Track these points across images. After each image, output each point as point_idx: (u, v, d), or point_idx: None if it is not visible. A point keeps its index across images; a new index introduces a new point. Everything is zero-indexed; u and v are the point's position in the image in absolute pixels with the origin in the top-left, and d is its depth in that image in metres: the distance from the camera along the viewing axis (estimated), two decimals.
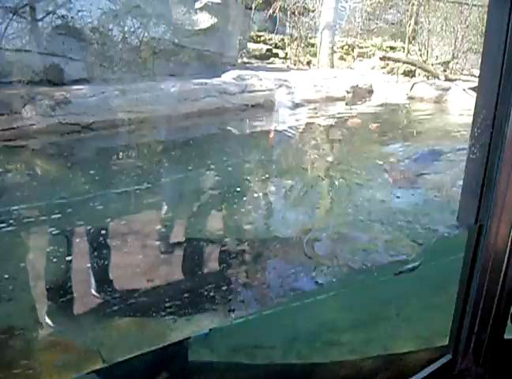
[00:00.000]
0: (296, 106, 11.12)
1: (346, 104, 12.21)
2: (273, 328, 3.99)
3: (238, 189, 5.08)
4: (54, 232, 3.93)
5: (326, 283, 3.67)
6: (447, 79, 14.23)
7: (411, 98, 12.97)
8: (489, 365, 2.41)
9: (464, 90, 12.88)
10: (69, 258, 3.65)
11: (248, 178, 5.61)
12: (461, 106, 11.56)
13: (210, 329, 3.92)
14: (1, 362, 2.44)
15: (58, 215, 4.20)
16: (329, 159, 6.69)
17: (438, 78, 14.28)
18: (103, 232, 3.99)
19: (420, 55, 15.60)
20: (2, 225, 3.94)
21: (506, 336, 2.35)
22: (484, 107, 2.64)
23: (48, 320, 2.79)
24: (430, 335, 3.35)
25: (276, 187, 5.34)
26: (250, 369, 3.30)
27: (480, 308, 2.41)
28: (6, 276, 3.26)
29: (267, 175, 5.69)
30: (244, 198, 4.91)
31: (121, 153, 6.88)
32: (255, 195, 5.03)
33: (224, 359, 3.69)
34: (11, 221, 4.05)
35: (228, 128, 9.18)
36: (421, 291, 3.72)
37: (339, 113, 10.44)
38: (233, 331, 3.89)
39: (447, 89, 12.99)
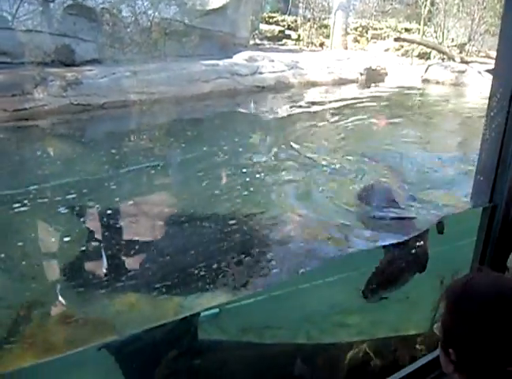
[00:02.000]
0: (308, 87, 10.99)
1: (358, 87, 12.04)
2: (282, 309, 4.01)
3: (244, 170, 5.05)
4: (66, 211, 3.95)
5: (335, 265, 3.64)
6: (463, 61, 13.91)
7: (426, 80, 12.73)
8: None
9: (479, 72, 12.62)
10: (81, 236, 3.68)
11: (256, 158, 5.56)
12: (477, 88, 11.33)
13: (220, 309, 3.96)
14: (20, 335, 2.49)
15: (72, 195, 4.21)
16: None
17: (453, 60, 13.97)
18: (114, 210, 4.01)
19: (436, 37, 15.26)
20: (17, 205, 3.97)
21: None
22: (500, 88, 2.58)
23: (63, 296, 2.83)
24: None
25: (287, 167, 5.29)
26: (259, 347, 3.31)
27: None
28: (22, 254, 3.30)
29: (277, 155, 5.64)
30: (254, 176, 4.87)
31: (132, 134, 6.88)
32: (264, 174, 4.98)
33: (233, 338, 3.72)
34: (25, 201, 4.09)
35: (239, 109, 9.12)
36: (432, 273, 3.69)
37: (353, 98, 10.26)
38: (242, 311, 3.92)
39: (463, 72, 12.73)
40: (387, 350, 3.12)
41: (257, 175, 4.91)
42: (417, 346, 3.22)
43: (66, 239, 3.54)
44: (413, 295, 3.74)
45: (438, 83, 12.51)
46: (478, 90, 11.09)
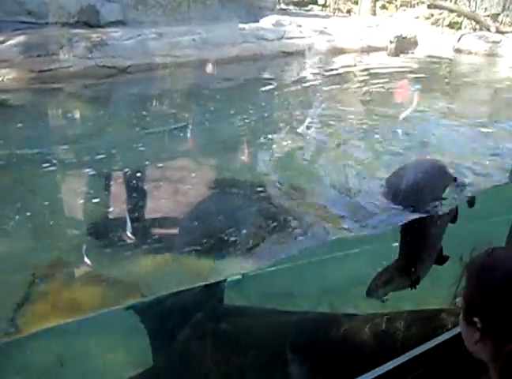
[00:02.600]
0: (336, 54, 10.68)
1: (388, 55, 11.64)
2: (305, 278, 4.01)
3: (270, 135, 4.96)
4: (94, 172, 3.95)
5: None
6: (498, 31, 13.29)
7: (458, 51, 12.23)
8: None
9: None
10: (107, 198, 3.69)
11: (282, 125, 5.45)
12: (510, 60, 10.86)
13: (243, 275, 3.97)
14: (44, 294, 2.53)
15: (99, 157, 4.20)
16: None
17: (488, 30, 13.35)
18: (139, 174, 4.00)
19: (468, 6, 14.56)
20: (46, 165, 3.99)
21: None
22: None
23: (89, 256, 2.85)
24: None
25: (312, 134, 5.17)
26: (284, 315, 3.32)
27: None
28: (50, 213, 3.33)
29: (303, 122, 5.52)
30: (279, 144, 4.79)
31: (157, 97, 6.81)
32: (288, 142, 4.89)
33: (256, 305, 3.75)
34: (54, 161, 4.10)
35: (265, 75, 8.92)
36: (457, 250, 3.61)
37: (383, 66, 9.93)
38: (265, 278, 3.93)
39: (498, 42, 12.17)
40: (408, 324, 3.09)
41: (284, 142, 4.82)
42: (440, 321, 3.19)
43: (94, 200, 3.56)
44: (439, 270, 3.68)
45: (470, 53, 12.00)
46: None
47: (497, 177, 3.71)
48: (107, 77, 7.28)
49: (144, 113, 5.95)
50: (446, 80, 9.42)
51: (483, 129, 5.26)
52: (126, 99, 7.15)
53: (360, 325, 3.09)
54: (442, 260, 3.44)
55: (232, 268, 3.00)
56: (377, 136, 4.94)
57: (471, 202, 3.54)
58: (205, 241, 3.00)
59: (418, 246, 3.33)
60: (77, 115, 6.20)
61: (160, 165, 4.25)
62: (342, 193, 3.62)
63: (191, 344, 3.01)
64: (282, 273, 3.77)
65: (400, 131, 5.11)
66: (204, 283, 2.91)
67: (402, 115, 5.96)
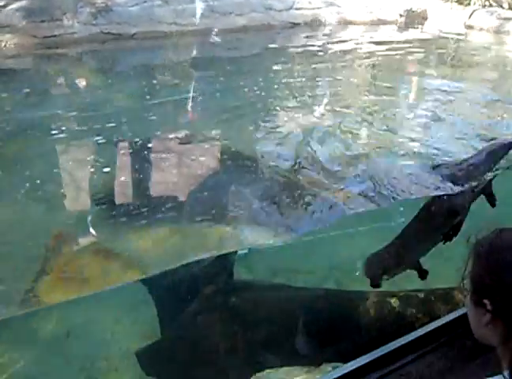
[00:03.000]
0: (345, 27, 10.44)
1: (398, 29, 11.38)
2: (312, 254, 3.99)
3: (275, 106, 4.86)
4: (100, 142, 3.88)
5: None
6: (511, 8, 12.97)
7: (469, 27, 11.95)
8: None
9: None
10: (115, 168, 3.63)
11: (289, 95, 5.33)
12: None
13: (249, 249, 3.95)
14: (52, 266, 2.51)
15: (106, 125, 4.13)
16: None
17: (501, 7, 13.02)
18: (145, 144, 3.94)
19: None
20: (54, 132, 3.91)
21: None
22: None
23: (95, 228, 2.82)
24: None
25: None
26: (294, 290, 3.32)
27: None
28: (56, 183, 3.29)
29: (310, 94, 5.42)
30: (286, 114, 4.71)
31: (162, 66, 6.67)
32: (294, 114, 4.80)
33: (261, 279, 3.75)
34: (62, 128, 4.03)
35: (272, 46, 8.72)
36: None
37: (392, 41, 9.71)
38: (272, 253, 3.91)
39: (510, 19, 11.88)
40: (421, 301, 3.10)
41: (289, 113, 4.72)
42: (448, 300, 3.20)
43: (102, 169, 3.51)
44: (447, 251, 3.67)
45: (482, 30, 11.73)
46: None
47: None
48: (112, 44, 7.12)
49: (148, 82, 5.83)
50: (455, 56, 9.21)
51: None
52: (131, 66, 7.00)
53: (368, 303, 3.11)
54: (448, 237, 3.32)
55: (240, 241, 2.97)
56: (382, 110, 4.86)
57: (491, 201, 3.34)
58: (213, 213, 2.97)
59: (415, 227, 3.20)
60: (82, 82, 6.09)
61: (167, 135, 4.17)
62: (350, 166, 3.58)
63: (201, 317, 3.03)
64: (289, 248, 3.75)
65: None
66: (210, 256, 2.88)
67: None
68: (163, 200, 3.19)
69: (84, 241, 2.79)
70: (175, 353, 3.08)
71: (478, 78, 7.26)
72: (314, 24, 9.92)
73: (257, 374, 2.74)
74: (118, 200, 3.21)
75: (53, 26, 6.84)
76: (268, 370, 2.75)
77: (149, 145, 3.96)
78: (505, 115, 4.78)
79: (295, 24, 9.68)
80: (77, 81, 6.14)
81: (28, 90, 5.11)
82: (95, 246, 2.74)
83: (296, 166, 3.56)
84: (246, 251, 3.85)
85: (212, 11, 8.44)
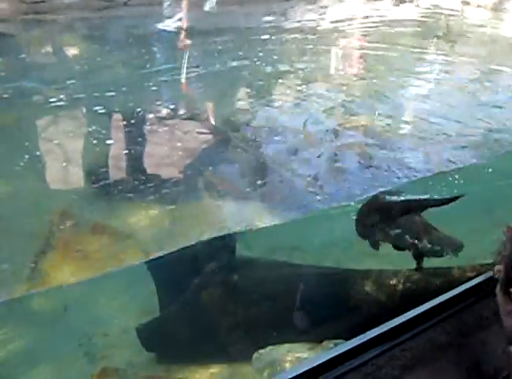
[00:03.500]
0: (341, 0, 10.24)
1: (392, 2, 11.19)
2: (311, 232, 3.97)
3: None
4: (95, 111, 3.75)
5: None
6: None
7: (466, 3, 11.80)
8: None
9: None
10: (105, 141, 3.53)
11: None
12: None
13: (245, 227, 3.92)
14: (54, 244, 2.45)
15: (102, 94, 3.98)
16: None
17: None
18: (134, 117, 3.82)
19: None
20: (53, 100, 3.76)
21: None
22: None
23: (95, 205, 2.75)
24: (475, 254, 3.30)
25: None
26: (293, 268, 3.32)
27: None
28: (56, 156, 3.18)
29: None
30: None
31: (157, 34, 6.45)
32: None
33: (262, 256, 3.73)
34: (52, 98, 3.88)
35: (266, 18, 8.51)
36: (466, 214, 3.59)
37: (386, 15, 9.54)
38: (270, 230, 3.88)
39: None
40: (420, 280, 3.12)
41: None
42: (444, 279, 3.22)
43: (96, 142, 3.40)
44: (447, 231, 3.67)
45: (479, 7, 11.60)
46: None
47: None
48: (104, 11, 6.84)
49: (141, 50, 5.63)
50: (448, 33, 9.11)
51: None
52: (123, 35, 6.75)
53: (368, 280, 3.12)
54: None
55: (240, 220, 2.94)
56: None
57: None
58: (210, 190, 2.92)
59: None
60: (71, 50, 5.87)
61: (161, 109, 4.06)
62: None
63: (203, 294, 3.01)
64: (287, 227, 3.73)
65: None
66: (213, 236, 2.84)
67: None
68: (160, 176, 3.12)
69: (86, 218, 2.72)
70: (177, 329, 3.07)
71: (469, 54, 7.22)
72: None
73: (260, 351, 2.75)
74: (114, 176, 3.13)
75: None
76: (270, 347, 2.76)
77: (144, 118, 3.85)
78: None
79: None
80: (65, 49, 5.92)
81: (24, 55, 4.90)
82: (96, 224, 2.68)
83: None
84: (244, 229, 3.81)
85: None
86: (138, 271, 3.29)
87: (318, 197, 3.17)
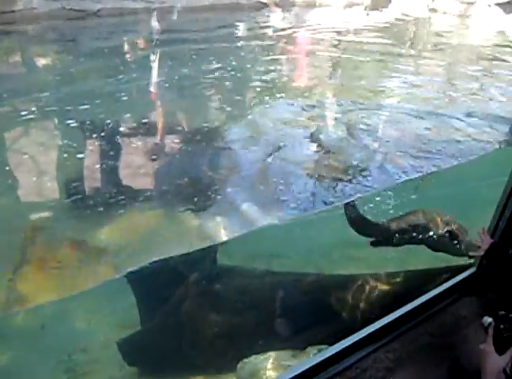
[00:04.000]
0: (312, 8, 10.38)
1: (363, 11, 11.42)
2: (290, 238, 3.97)
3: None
4: (69, 123, 3.68)
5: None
6: None
7: (433, 10, 12.12)
8: (508, 278, 2.50)
9: (489, 5, 12.05)
10: (82, 150, 3.46)
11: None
12: (484, 22, 10.88)
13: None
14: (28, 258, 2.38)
15: (72, 106, 3.91)
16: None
17: None
18: (107, 125, 3.76)
19: None
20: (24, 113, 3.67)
21: None
22: None
23: (68, 218, 2.69)
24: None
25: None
26: (277, 275, 3.31)
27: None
28: (28, 169, 3.10)
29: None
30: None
31: (128, 45, 6.40)
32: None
33: (242, 264, 3.71)
34: (23, 111, 3.79)
35: (240, 25, 8.54)
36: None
37: (355, 23, 9.71)
38: (249, 238, 3.87)
39: (472, 3, 12.13)
40: (404, 281, 3.15)
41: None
42: (423, 281, 3.27)
43: (72, 155, 3.33)
44: None
45: (445, 13, 11.93)
46: (485, 23, 10.66)
47: None
48: (75, 21, 6.76)
49: (114, 61, 5.58)
50: (416, 39, 9.32)
51: None
52: (95, 44, 6.68)
53: (348, 286, 3.14)
54: None
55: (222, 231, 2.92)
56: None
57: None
58: (190, 196, 2.89)
59: None
60: (40, 61, 5.76)
61: (134, 118, 4.02)
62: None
63: (186, 305, 2.96)
64: (266, 233, 3.73)
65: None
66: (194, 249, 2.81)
67: None
68: (132, 188, 3.07)
69: (58, 231, 2.65)
70: (159, 342, 3.02)
71: (434, 60, 7.40)
72: (282, 4, 9.80)
73: (244, 360, 2.73)
74: (88, 189, 3.07)
75: (11, 1, 6.42)
76: (254, 355, 2.74)
77: (115, 130, 3.79)
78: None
79: (263, 4, 9.54)
80: (34, 59, 5.81)
81: None
82: (71, 238, 2.61)
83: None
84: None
85: None
86: (116, 284, 3.23)
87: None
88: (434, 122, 4.08)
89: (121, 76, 4.92)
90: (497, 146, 3.47)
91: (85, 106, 3.90)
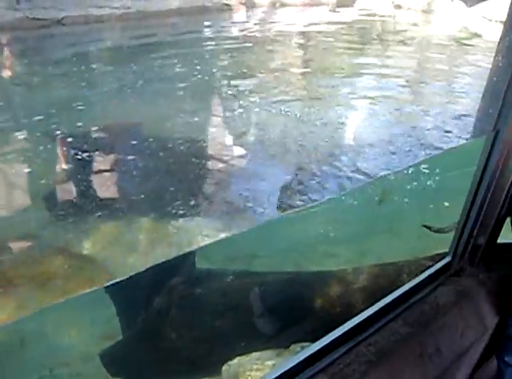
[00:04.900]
0: (278, 7, 10.45)
1: (329, 10, 11.57)
2: (269, 238, 3.99)
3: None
4: (36, 135, 3.62)
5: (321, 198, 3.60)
6: None
7: (398, 6, 12.37)
8: (482, 265, 2.56)
9: (451, 0, 12.37)
10: (53, 163, 3.42)
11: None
12: (447, 16, 11.15)
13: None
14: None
15: (38, 117, 3.84)
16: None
17: None
18: (77, 138, 3.72)
19: None
20: None
21: (498, 241, 2.48)
22: None
23: (43, 228, 2.64)
24: (425, 246, 3.43)
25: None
26: (258, 275, 3.32)
27: (483, 214, 2.47)
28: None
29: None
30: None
31: (94, 54, 6.32)
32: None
33: (221, 267, 3.71)
34: None
35: (207, 29, 8.55)
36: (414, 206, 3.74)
37: (322, 22, 9.83)
38: (228, 240, 3.88)
39: None
40: (379, 276, 3.19)
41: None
42: (401, 272, 3.32)
43: (38, 169, 3.28)
44: (396, 226, 3.80)
45: (409, 9, 12.19)
46: (447, 17, 10.94)
47: None
48: (39, 30, 6.61)
49: (78, 69, 5.51)
50: (380, 35, 9.52)
51: None
52: (60, 55, 6.57)
53: (326, 282, 3.17)
54: None
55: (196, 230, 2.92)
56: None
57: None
58: (161, 203, 2.87)
59: None
60: (6, 72, 5.64)
61: (100, 127, 3.97)
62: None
63: (167, 311, 2.94)
64: (244, 234, 3.74)
65: None
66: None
67: None
68: (108, 198, 3.04)
69: (32, 242, 2.61)
70: (142, 351, 2.99)
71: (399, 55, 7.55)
72: (249, 5, 9.84)
73: (229, 362, 2.72)
74: (61, 199, 3.02)
75: None
76: (238, 357, 2.74)
77: (84, 138, 3.74)
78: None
79: (230, 6, 9.55)
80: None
81: None
82: (52, 248, 2.57)
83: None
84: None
85: None
86: (94, 294, 3.19)
87: None
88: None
89: (83, 84, 4.86)
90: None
91: (40, 117, 3.83)
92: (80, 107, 4.21)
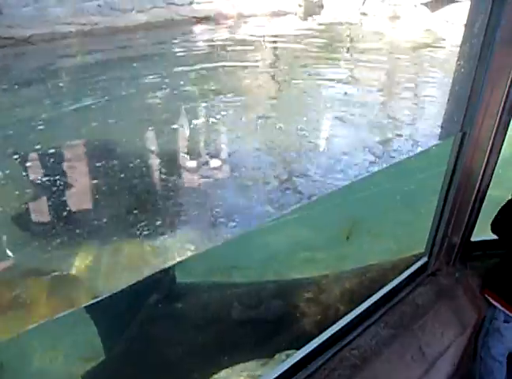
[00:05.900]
0: (246, 19, 10.54)
1: (297, 19, 11.72)
2: (248, 248, 3.99)
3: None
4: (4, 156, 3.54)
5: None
6: None
7: (363, 14, 12.62)
8: (458, 264, 2.62)
9: (415, 5, 12.69)
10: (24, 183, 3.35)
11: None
12: (412, 21, 11.44)
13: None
14: None
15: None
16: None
17: None
18: (50, 155, 3.65)
19: None
20: None
21: (472, 239, 2.54)
22: (477, 16, 2.53)
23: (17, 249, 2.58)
24: (402, 247, 3.48)
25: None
26: (233, 287, 3.31)
27: (455, 213, 2.53)
28: None
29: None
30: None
31: (62, 71, 6.24)
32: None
33: (201, 280, 3.68)
34: None
35: (175, 43, 8.52)
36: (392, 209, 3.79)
37: (291, 32, 9.95)
38: (207, 252, 3.84)
39: (400, 5, 12.73)
40: (358, 279, 3.22)
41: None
42: (381, 275, 3.36)
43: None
44: (375, 229, 3.85)
45: (375, 16, 12.45)
46: (412, 23, 11.22)
47: None
48: (5, 49, 6.50)
49: (45, 90, 5.44)
50: (348, 43, 9.69)
51: None
52: (27, 73, 6.46)
53: (306, 289, 3.18)
54: None
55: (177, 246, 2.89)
56: None
57: None
58: (137, 219, 2.84)
59: None
60: None
61: (72, 144, 3.92)
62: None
63: (150, 328, 2.90)
64: (223, 246, 3.72)
65: None
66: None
67: None
68: (85, 215, 2.99)
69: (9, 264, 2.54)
70: (125, 370, 2.93)
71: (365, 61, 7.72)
72: (217, 17, 9.89)
73: (214, 376, 2.70)
74: (36, 218, 2.96)
75: None
76: (224, 370, 2.72)
77: (55, 155, 3.68)
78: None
79: (198, 19, 9.58)
80: None
81: None
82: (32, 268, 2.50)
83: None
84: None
85: (111, 8, 8.06)
86: (74, 314, 3.12)
87: None
88: None
89: (47, 102, 4.79)
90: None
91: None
92: (40, 127, 4.14)
